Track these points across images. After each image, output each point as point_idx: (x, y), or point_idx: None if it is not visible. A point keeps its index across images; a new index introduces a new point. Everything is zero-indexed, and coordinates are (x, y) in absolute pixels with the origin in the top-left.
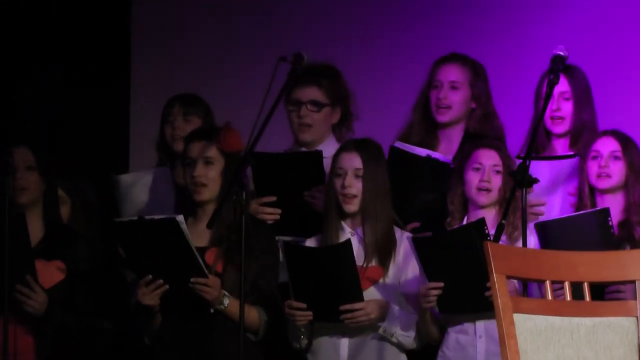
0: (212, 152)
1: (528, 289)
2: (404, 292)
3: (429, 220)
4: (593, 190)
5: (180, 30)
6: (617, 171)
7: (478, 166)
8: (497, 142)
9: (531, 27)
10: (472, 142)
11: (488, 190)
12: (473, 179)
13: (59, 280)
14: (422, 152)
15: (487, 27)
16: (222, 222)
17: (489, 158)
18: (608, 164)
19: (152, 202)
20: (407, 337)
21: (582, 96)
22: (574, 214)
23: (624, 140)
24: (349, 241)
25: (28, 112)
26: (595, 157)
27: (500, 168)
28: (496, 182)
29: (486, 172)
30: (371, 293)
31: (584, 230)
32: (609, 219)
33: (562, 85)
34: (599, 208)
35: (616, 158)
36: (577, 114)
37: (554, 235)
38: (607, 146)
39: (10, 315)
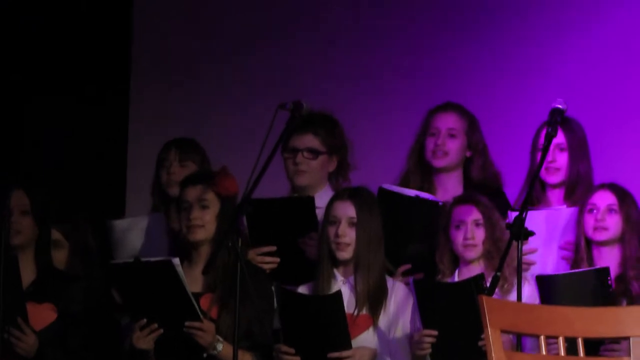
0: (209, 196)
1: (522, 343)
2: (398, 335)
3: (419, 265)
4: (589, 243)
5: (178, 74)
6: (614, 224)
7: (459, 223)
8: (477, 195)
9: (525, 79)
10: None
11: (474, 245)
12: (457, 237)
13: (50, 322)
14: (410, 192)
15: (482, 77)
16: (217, 267)
17: (468, 214)
18: (604, 218)
19: (146, 248)
20: None
21: (578, 148)
22: (575, 270)
23: (621, 193)
24: (339, 292)
25: (28, 156)
26: (591, 210)
27: (481, 221)
28: (479, 236)
29: (469, 229)
30: (361, 341)
31: (584, 288)
32: (609, 278)
33: (559, 137)
34: (599, 267)
35: (613, 211)
36: (572, 166)
37: (553, 290)
38: (604, 200)
39: (3, 356)
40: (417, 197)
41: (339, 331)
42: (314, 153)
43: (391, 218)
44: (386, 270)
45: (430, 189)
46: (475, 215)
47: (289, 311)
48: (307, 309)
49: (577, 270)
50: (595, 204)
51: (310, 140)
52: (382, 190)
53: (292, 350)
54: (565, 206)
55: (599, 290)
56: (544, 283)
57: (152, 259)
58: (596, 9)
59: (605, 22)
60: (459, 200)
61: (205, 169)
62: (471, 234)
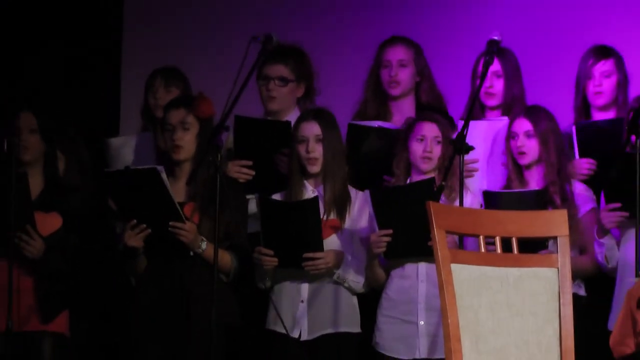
0: (189, 119)
1: (464, 243)
2: (360, 237)
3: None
4: (518, 165)
5: (167, 13)
6: (532, 148)
7: (421, 137)
8: (437, 115)
9: (466, 13)
10: (418, 113)
11: (430, 158)
12: (417, 148)
13: (55, 229)
14: (374, 124)
15: (429, 10)
16: (198, 179)
17: (430, 130)
18: (524, 143)
19: (137, 162)
20: (357, 283)
21: (512, 74)
22: (518, 190)
23: (536, 120)
24: (316, 198)
25: (33, 82)
26: (513, 137)
27: (440, 139)
28: (437, 151)
29: (429, 143)
30: (329, 243)
31: (524, 203)
32: (545, 199)
33: (495, 65)
34: (538, 189)
35: (530, 137)
36: (507, 90)
37: (497, 203)
38: (522, 127)
39: (14, 258)
40: (380, 127)
41: (313, 234)
42: (284, 81)
43: (359, 146)
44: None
45: (386, 115)
46: (436, 132)
47: (268, 217)
48: (287, 214)
49: (520, 190)
50: (516, 132)
51: (280, 70)
52: (351, 126)
53: (271, 252)
54: (503, 119)
55: (537, 206)
56: (490, 198)
57: (140, 167)
58: None
59: None
60: (423, 117)
61: (186, 94)
62: (430, 147)
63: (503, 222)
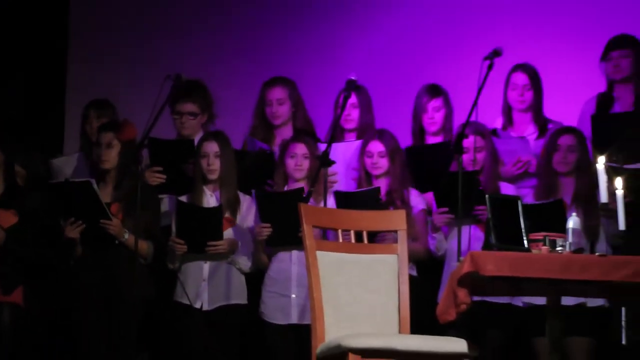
0: (114, 140)
1: (326, 235)
2: (248, 229)
3: None
4: (369, 174)
5: (106, 53)
6: (384, 165)
7: (293, 155)
8: (306, 137)
9: (333, 52)
10: (292, 137)
11: (301, 171)
12: (290, 163)
13: (13, 222)
14: (257, 144)
15: (305, 51)
16: (123, 185)
17: (300, 149)
18: (378, 161)
19: (75, 176)
20: (246, 265)
21: (366, 105)
22: (360, 189)
23: (389, 142)
24: (220, 207)
25: None
26: (369, 156)
27: (307, 155)
28: (305, 165)
29: (299, 159)
30: (226, 234)
31: (366, 201)
32: (380, 195)
33: (352, 99)
34: (374, 187)
35: (382, 156)
36: (362, 118)
37: (346, 202)
38: (376, 148)
39: None
40: (261, 149)
41: (215, 229)
42: (193, 115)
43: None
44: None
45: (271, 138)
46: (304, 150)
47: (182, 215)
48: (197, 214)
49: (361, 190)
50: (371, 151)
51: (189, 107)
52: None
53: (182, 241)
54: (356, 142)
55: (374, 201)
56: (340, 197)
57: (77, 179)
58: (387, 6)
59: (390, 17)
60: (293, 139)
61: (114, 119)
62: (300, 162)
63: (357, 219)
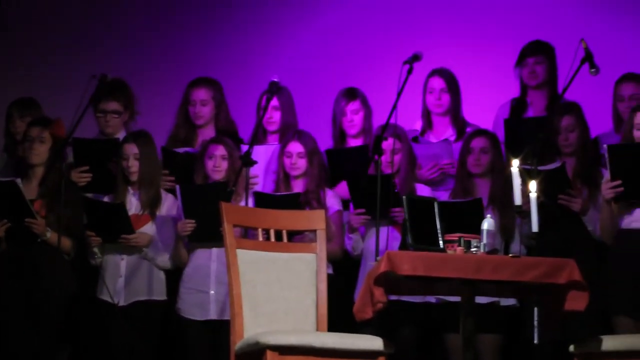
0: (44, 134)
1: (248, 233)
2: (170, 226)
3: None
4: (287, 175)
5: (27, 53)
6: (302, 166)
7: (211, 156)
8: (226, 138)
9: (257, 54)
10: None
11: (219, 171)
12: (209, 164)
13: None
14: (182, 150)
15: (230, 52)
16: (47, 182)
17: (219, 150)
18: (297, 162)
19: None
20: (163, 260)
21: (288, 107)
22: (281, 193)
23: (307, 143)
24: (122, 204)
25: None
26: (289, 156)
27: (226, 156)
28: (224, 165)
29: (217, 160)
30: (144, 229)
31: (285, 205)
32: (299, 201)
33: (274, 101)
34: (294, 192)
35: (301, 157)
36: (283, 119)
37: (265, 203)
38: (295, 148)
39: None
40: (187, 152)
41: (125, 224)
42: (117, 113)
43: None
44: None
45: (193, 138)
46: (223, 152)
47: (94, 212)
48: (107, 210)
49: (283, 194)
50: (290, 152)
51: (113, 105)
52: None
53: (93, 233)
54: (277, 145)
55: (293, 207)
56: (261, 198)
57: (3, 179)
58: (310, 10)
59: (314, 20)
60: (211, 141)
61: (44, 116)
62: (219, 163)
63: (277, 218)
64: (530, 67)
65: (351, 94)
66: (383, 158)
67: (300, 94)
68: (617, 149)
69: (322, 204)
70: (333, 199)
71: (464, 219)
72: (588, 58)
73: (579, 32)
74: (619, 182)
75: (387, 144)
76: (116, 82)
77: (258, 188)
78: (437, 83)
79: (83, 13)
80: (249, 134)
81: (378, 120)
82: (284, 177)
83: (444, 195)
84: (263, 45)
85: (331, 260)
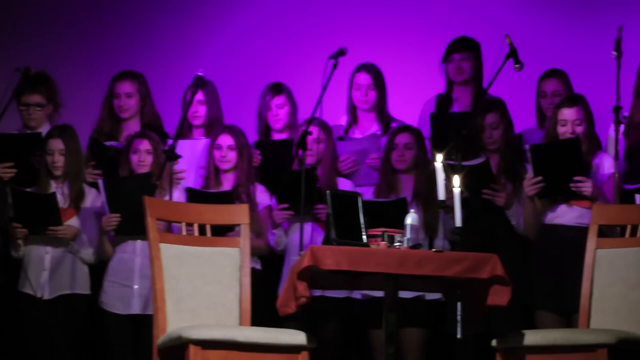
0: None
1: (171, 228)
2: (94, 219)
3: None
4: (217, 169)
5: None
6: (233, 159)
7: (135, 150)
8: (150, 132)
9: (183, 48)
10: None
11: (143, 166)
12: (133, 158)
13: None
14: (109, 144)
15: (156, 46)
16: None
17: (143, 145)
18: (227, 154)
19: None
20: (87, 254)
21: (213, 102)
22: (213, 190)
23: (238, 137)
24: (54, 194)
25: None
26: (219, 149)
27: (151, 150)
28: (149, 159)
29: (142, 155)
30: (70, 222)
31: (217, 199)
32: (232, 198)
33: (199, 95)
34: (227, 190)
35: (232, 149)
36: (209, 114)
37: (195, 198)
38: (225, 141)
39: None
40: (111, 146)
41: (54, 215)
42: (40, 106)
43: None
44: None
45: (117, 131)
46: (147, 146)
47: (21, 203)
48: (34, 201)
49: (215, 191)
50: (220, 144)
51: (37, 98)
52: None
53: (20, 225)
54: (204, 139)
55: (227, 202)
56: (193, 194)
57: None
58: (236, 4)
59: (240, 14)
60: (136, 135)
61: None
62: (143, 158)
63: (201, 212)
64: (457, 63)
65: (276, 88)
66: (307, 152)
67: (226, 89)
68: (539, 148)
69: (252, 199)
70: (263, 194)
71: (387, 215)
72: (512, 54)
73: (504, 28)
74: (540, 178)
75: (312, 137)
76: (39, 75)
77: (185, 183)
78: (364, 79)
79: (6, 6)
80: (174, 129)
81: (303, 115)
82: (214, 170)
83: (369, 191)
84: (188, 40)
85: (260, 255)
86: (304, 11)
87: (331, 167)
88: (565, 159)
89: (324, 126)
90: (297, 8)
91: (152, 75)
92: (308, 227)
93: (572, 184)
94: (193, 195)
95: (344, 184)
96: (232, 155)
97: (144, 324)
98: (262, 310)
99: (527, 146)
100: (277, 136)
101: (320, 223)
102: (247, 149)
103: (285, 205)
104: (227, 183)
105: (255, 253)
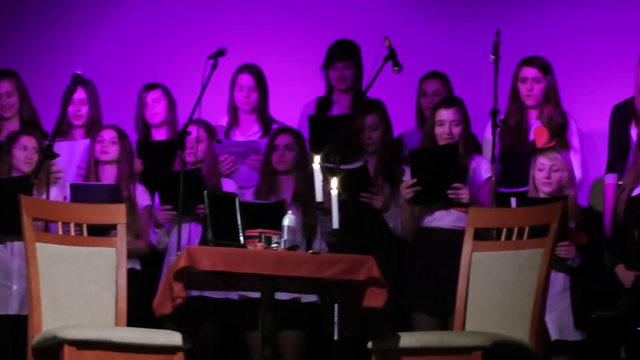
0: None
1: (49, 228)
2: None
3: None
4: (97, 163)
5: None
6: (113, 152)
7: (24, 147)
8: (34, 130)
9: (57, 49)
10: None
11: (31, 162)
12: (21, 155)
13: None
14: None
15: (36, 46)
16: None
17: (31, 142)
18: (108, 147)
19: None
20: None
21: (95, 101)
22: (97, 183)
23: (121, 132)
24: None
25: None
26: (100, 141)
27: (37, 148)
28: (35, 157)
29: (30, 151)
30: None
31: (102, 196)
32: (120, 193)
33: (81, 95)
34: (113, 184)
35: (114, 142)
36: (91, 113)
37: (82, 196)
38: (108, 135)
39: None
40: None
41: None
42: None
43: None
44: None
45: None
46: (34, 143)
47: None
48: None
49: (97, 183)
50: (103, 138)
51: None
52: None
53: None
54: (84, 140)
55: (111, 199)
56: (76, 190)
57: None
58: (118, 3)
59: (121, 13)
60: (23, 132)
61: None
62: (31, 155)
63: (78, 212)
64: (340, 71)
65: (152, 85)
66: (188, 151)
67: (106, 89)
68: (418, 153)
69: (132, 199)
70: (143, 194)
71: (265, 217)
72: (391, 56)
73: (384, 30)
74: (415, 181)
75: (192, 136)
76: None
77: (63, 183)
78: (246, 80)
79: None
80: (51, 127)
81: (184, 116)
82: (94, 164)
83: (247, 192)
84: (66, 38)
85: (140, 255)
86: (185, 11)
87: (214, 167)
88: (443, 164)
89: (207, 126)
90: (178, 8)
91: (28, 74)
92: (187, 227)
93: (449, 191)
94: (77, 191)
95: (228, 185)
96: (113, 149)
97: (22, 324)
98: (142, 311)
99: (407, 151)
100: (156, 134)
101: (202, 223)
102: (129, 147)
103: (169, 207)
104: (107, 178)
105: (135, 254)
